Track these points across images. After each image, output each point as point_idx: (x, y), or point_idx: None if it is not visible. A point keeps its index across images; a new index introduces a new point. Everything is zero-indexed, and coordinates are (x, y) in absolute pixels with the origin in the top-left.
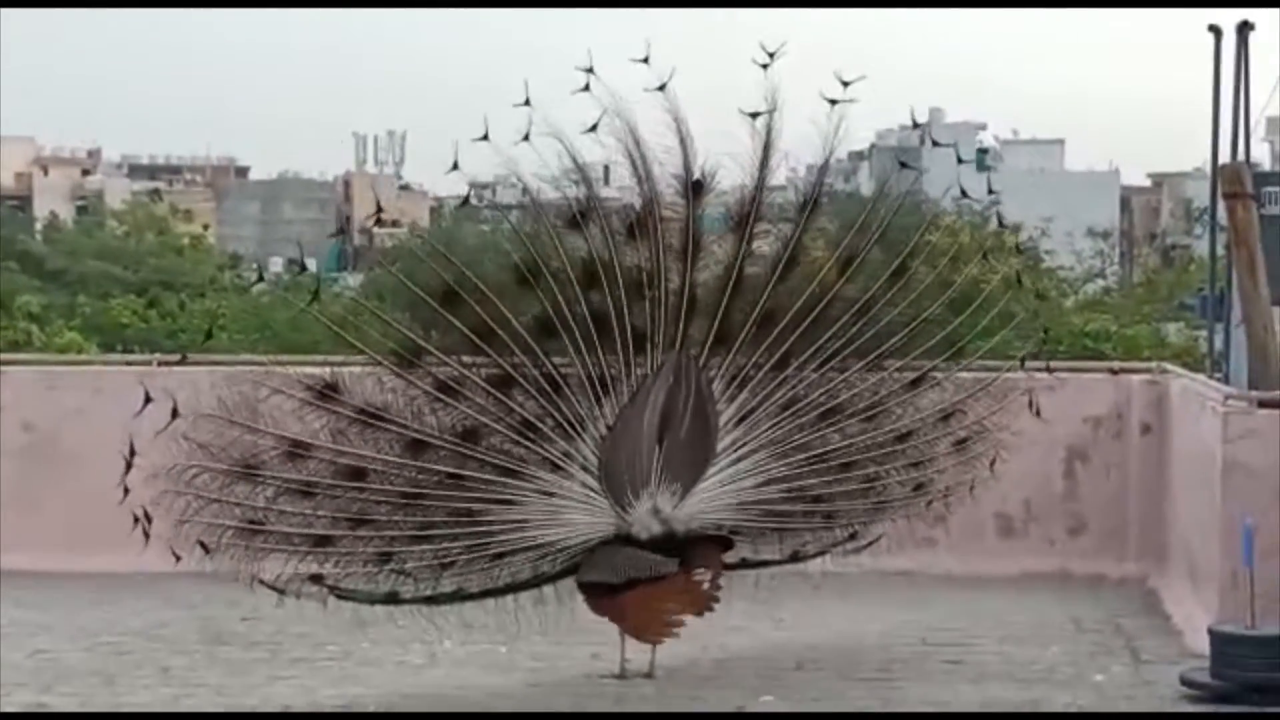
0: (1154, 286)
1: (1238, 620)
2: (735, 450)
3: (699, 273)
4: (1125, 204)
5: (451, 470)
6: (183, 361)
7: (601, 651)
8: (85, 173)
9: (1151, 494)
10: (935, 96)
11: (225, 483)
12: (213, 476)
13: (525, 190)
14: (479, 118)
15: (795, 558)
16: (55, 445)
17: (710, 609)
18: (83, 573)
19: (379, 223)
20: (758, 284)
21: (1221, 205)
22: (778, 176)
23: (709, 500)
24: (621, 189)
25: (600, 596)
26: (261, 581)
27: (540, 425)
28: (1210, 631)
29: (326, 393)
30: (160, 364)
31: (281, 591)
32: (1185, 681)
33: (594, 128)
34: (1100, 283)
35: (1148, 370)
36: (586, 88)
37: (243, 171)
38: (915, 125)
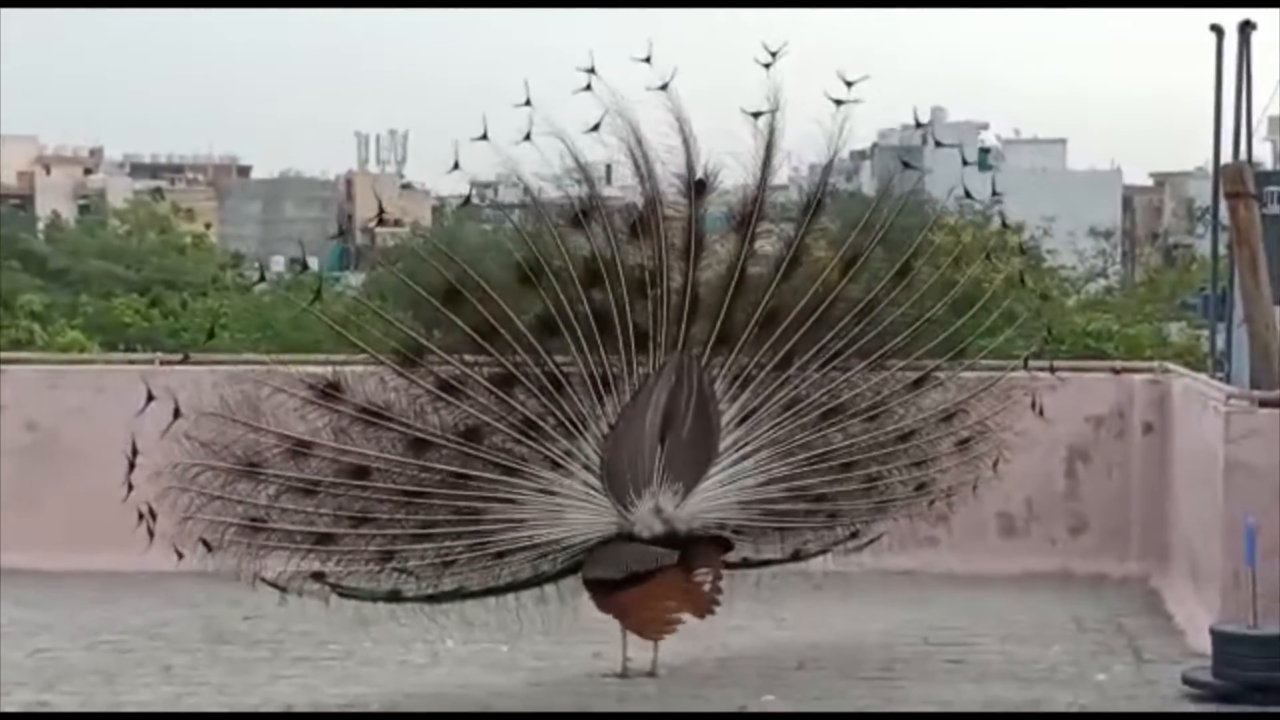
0: (1156, 286)
1: (1239, 620)
2: (737, 449)
3: (701, 272)
4: (1127, 203)
5: (453, 469)
6: (185, 361)
7: (604, 650)
8: (87, 172)
9: (1153, 493)
10: (937, 96)
11: (227, 480)
12: (215, 474)
13: (526, 190)
14: (480, 117)
15: (797, 556)
16: (57, 444)
17: (712, 611)
18: (84, 571)
19: (381, 222)
20: (760, 283)
21: (1224, 204)
22: (780, 176)
23: (711, 499)
24: (624, 188)
25: (603, 593)
26: (263, 580)
27: (542, 424)
28: (1212, 631)
29: (329, 392)
30: (162, 363)
31: (283, 590)
32: (1187, 681)
33: (596, 127)
34: (1102, 282)
35: (1150, 370)
36: (588, 87)
37: (244, 171)
38: (918, 125)
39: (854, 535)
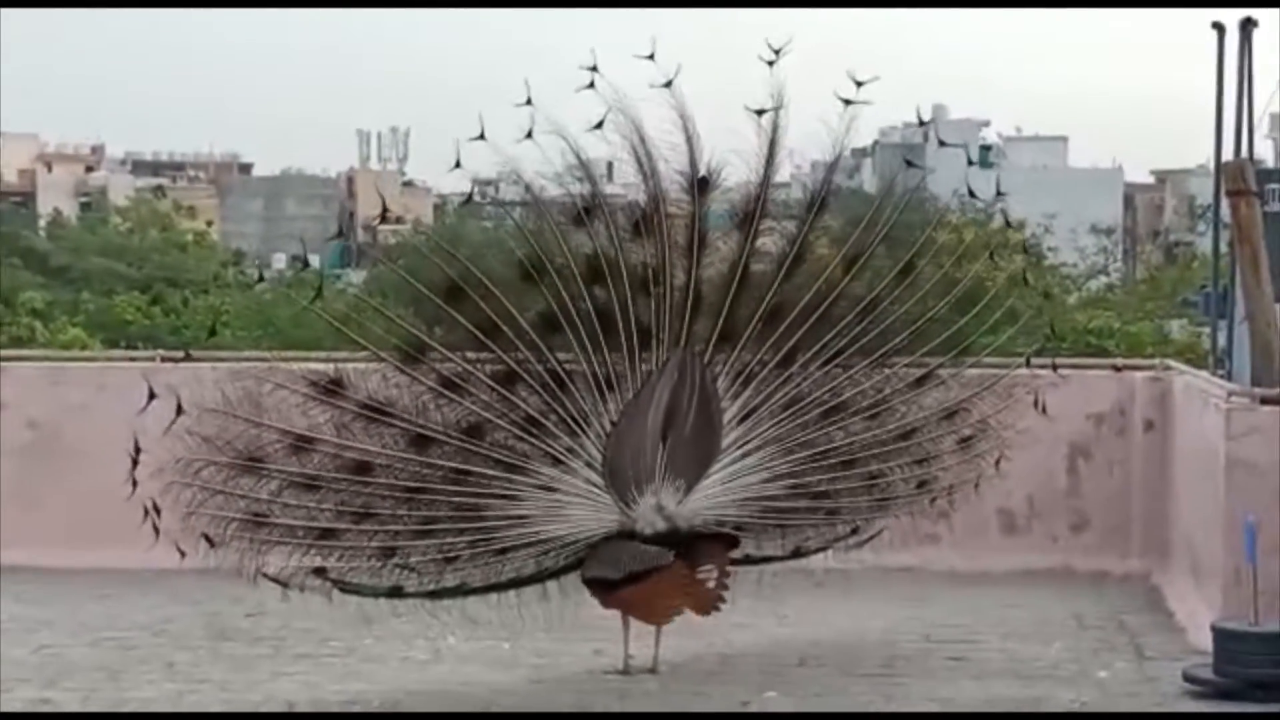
0: (1157, 283)
1: (1240, 617)
2: (739, 447)
3: (704, 269)
4: (1128, 201)
5: (455, 465)
6: (186, 358)
7: (605, 647)
8: (89, 169)
9: (1154, 491)
10: (938, 94)
11: (230, 475)
12: (218, 469)
13: (528, 187)
14: (483, 114)
15: (798, 553)
16: (59, 441)
17: (717, 608)
18: (86, 568)
19: (384, 220)
20: (763, 281)
21: (1225, 202)
22: (782, 173)
23: (713, 497)
24: (627, 186)
25: (605, 592)
26: (266, 576)
27: (544, 421)
28: (1213, 628)
29: (331, 388)
30: (164, 360)
31: (285, 585)
32: (1188, 678)
33: (600, 125)
34: (1103, 280)
35: (1151, 367)
36: (591, 85)
37: (246, 168)
38: (921, 123)
39: (854, 532)
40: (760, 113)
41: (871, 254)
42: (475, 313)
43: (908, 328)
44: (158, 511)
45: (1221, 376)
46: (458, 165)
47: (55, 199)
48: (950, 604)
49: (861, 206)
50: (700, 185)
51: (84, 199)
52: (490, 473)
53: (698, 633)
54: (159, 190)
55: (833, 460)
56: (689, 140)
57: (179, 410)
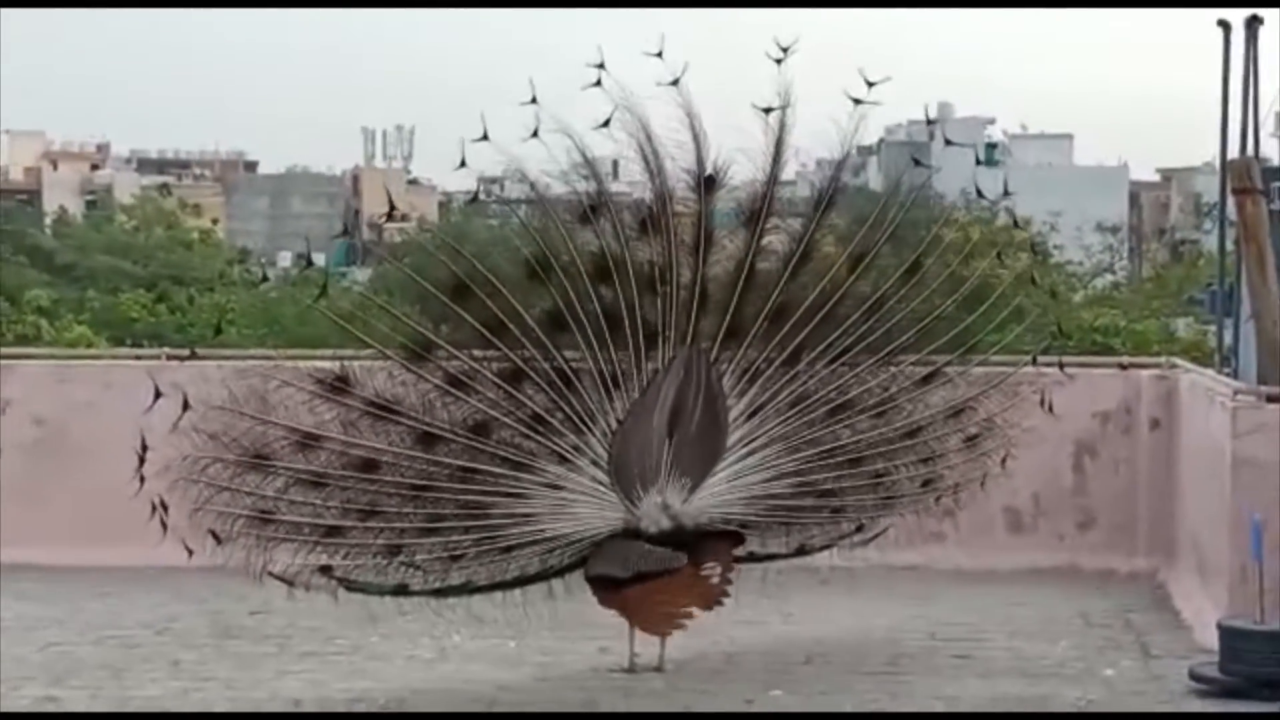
0: (1163, 282)
1: (1247, 615)
2: (745, 445)
3: (710, 268)
4: (1134, 199)
5: (462, 463)
6: (192, 356)
7: (610, 646)
8: (94, 167)
9: (1160, 489)
10: (943, 92)
11: (236, 472)
12: (224, 466)
13: (532, 186)
14: (488, 114)
15: (802, 551)
16: (65, 439)
17: (720, 604)
18: (92, 566)
19: (390, 218)
20: (769, 279)
21: (1231, 200)
22: (788, 171)
23: (718, 495)
24: (632, 184)
25: (608, 590)
26: (271, 574)
27: (550, 419)
28: (1219, 626)
29: (337, 385)
30: (169, 358)
31: (291, 584)
32: (1194, 676)
33: (606, 123)
34: (1109, 278)
35: (1157, 365)
36: (598, 83)
37: (251, 166)
38: (929, 121)
39: (859, 530)
40: (767, 111)
41: (878, 252)
42: (481, 310)
43: (914, 326)
44: (164, 508)
45: (1227, 374)
46: (463, 164)
47: (61, 197)
48: (956, 602)
49: (867, 205)
50: (707, 183)
51: (89, 197)
52: (496, 471)
53: (703, 631)
54: (164, 188)
55: (838, 458)
56: (695, 138)
57: (185, 406)
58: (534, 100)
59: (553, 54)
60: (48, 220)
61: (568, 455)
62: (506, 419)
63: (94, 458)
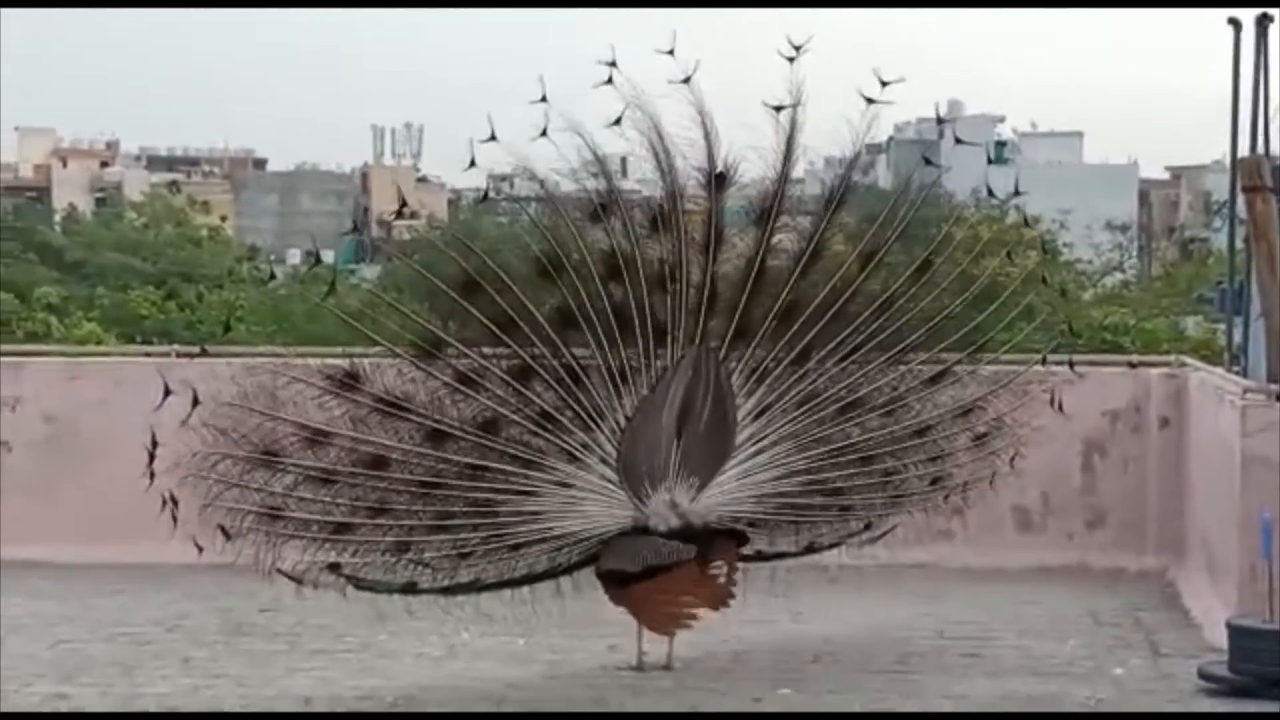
0: (1172, 280)
1: (1256, 614)
2: (754, 443)
3: (720, 266)
4: (1144, 197)
5: (471, 461)
6: (202, 354)
7: (619, 643)
8: (104, 165)
9: (1170, 487)
10: (953, 90)
11: (246, 469)
12: (234, 463)
13: (542, 184)
14: (495, 112)
15: (811, 549)
16: (76, 437)
17: (726, 605)
18: (102, 564)
19: (400, 215)
20: (779, 278)
21: (1240, 198)
22: (798, 169)
23: (727, 493)
24: (642, 182)
25: (618, 586)
26: (280, 572)
27: (559, 417)
28: (1229, 625)
29: (347, 382)
30: (179, 355)
31: (300, 581)
32: (1204, 675)
33: (618, 121)
34: (1119, 276)
35: (1166, 364)
36: (609, 81)
37: (260, 163)
38: (940, 120)
39: (868, 528)
40: (778, 109)
41: (888, 251)
42: (491, 307)
43: (924, 325)
44: (175, 503)
45: (1237, 373)
46: (472, 165)
47: (70, 194)
48: (965, 601)
49: (877, 203)
50: (717, 181)
51: (99, 194)
52: (505, 468)
53: (711, 629)
54: (174, 185)
55: (848, 456)
56: (707, 136)
57: (195, 402)
58: (544, 99)
59: (564, 52)
60: (57, 217)
61: (577, 453)
62: (516, 416)
63: (104, 455)
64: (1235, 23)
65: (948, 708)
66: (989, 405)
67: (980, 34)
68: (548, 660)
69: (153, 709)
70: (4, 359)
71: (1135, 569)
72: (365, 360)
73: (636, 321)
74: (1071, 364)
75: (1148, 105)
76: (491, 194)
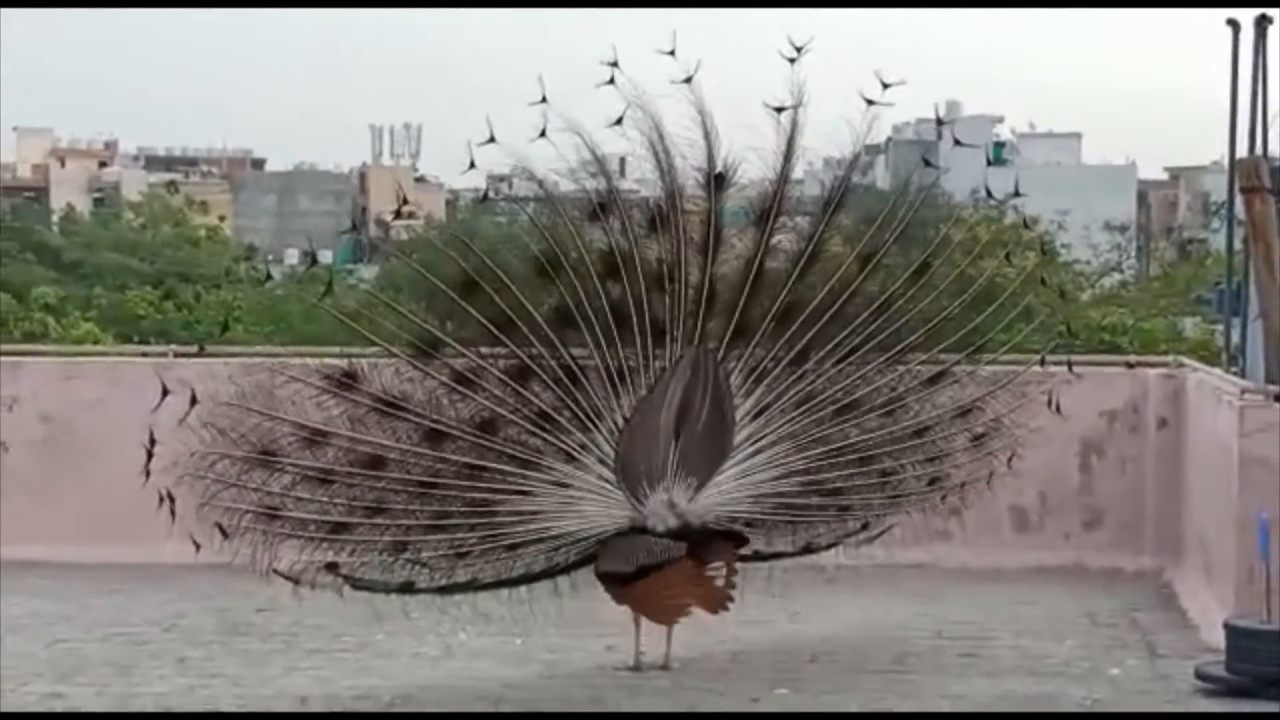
0: (1171, 280)
1: (1253, 614)
2: (752, 444)
3: (719, 266)
4: (1142, 198)
5: (468, 460)
6: (200, 354)
7: (617, 643)
8: (102, 165)
9: (1167, 488)
10: (951, 90)
11: (243, 468)
12: (231, 462)
13: (540, 184)
14: (494, 112)
15: (809, 549)
16: (73, 437)
17: (725, 608)
18: (99, 564)
19: (399, 215)
20: (778, 278)
21: (1239, 199)
22: (798, 171)
23: (725, 493)
24: (640, 181)
25: (618, 586)
26: (277, 571)
27: (557, 417)
28: (1226, 625)
29: (345, 381)
30: (177, 355)
31: (297, 581)
32: (1201, 676)
33: (619, 121)
34: (1117, 276)
35: (1164, 364)
36: (611, 81)
37: (259, 163)
38: (939, 122)
39: (865, 528)
40: (779, 110)
41: (886, 251)
42: (489, 307)
43: (922, 325)
44: (172, 500)
45: (1235, 374)
46: (471, 167)
47: (68, 194)
48: (962, 601)
49: (876, 204)
50: (717, 181)
51: (97, 194)
52: (503, 468)
53: (708, 629)
54: (172, 185)
55: (846, 457)
56: (707, 136)
57: (193, 401)
58: (544, 99)
59: (561, 52)
60: (55, 217)
61: (574, 453)
62: (513, 416)
63: (101, 455)
64: (1234, 24)
65: (945, 708)
66: (987, 406)
67: (979, 34)
68: (545, 660)
69: (149, 709)
70: (1, 359)
71: (1133, 569)
72: (363, 360)
73: (635, 321)
74: (1070, 364)
75: (1146, 106)
76: (490, 194)
